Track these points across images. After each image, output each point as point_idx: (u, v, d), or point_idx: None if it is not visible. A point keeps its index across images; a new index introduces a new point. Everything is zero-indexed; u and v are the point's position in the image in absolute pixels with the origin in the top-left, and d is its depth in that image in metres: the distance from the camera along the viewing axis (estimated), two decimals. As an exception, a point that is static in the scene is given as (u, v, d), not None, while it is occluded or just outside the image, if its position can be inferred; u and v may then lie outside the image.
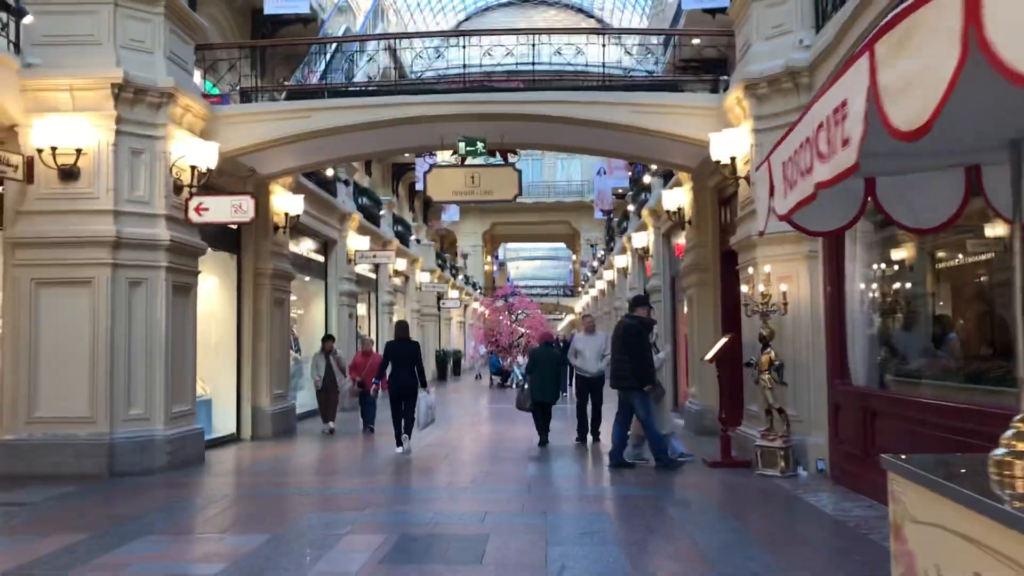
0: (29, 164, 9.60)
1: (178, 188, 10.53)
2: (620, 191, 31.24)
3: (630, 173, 29.86)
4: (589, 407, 12.81)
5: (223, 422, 13.61)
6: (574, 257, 61.09)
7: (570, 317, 59.79)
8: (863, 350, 8.73)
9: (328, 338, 15.06)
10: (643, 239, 20.06)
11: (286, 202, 14.32)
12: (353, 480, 9.87)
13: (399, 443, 11.71)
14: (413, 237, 29.64)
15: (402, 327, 12.52)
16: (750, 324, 10.39)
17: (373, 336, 24.23)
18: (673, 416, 13.09)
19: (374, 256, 20.19)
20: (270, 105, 11.79)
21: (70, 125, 9.65)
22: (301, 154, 13.01)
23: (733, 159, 10.40)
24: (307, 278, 18.43)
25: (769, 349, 9.52)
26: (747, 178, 10.33)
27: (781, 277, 9.67)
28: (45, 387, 9.71)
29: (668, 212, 14.54)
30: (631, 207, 23.68)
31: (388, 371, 11.86)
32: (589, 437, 12.77)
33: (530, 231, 59.13)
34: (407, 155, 28.43)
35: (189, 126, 10.82)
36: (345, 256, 19.49)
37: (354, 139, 12.59)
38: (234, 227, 13.68)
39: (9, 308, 9.80)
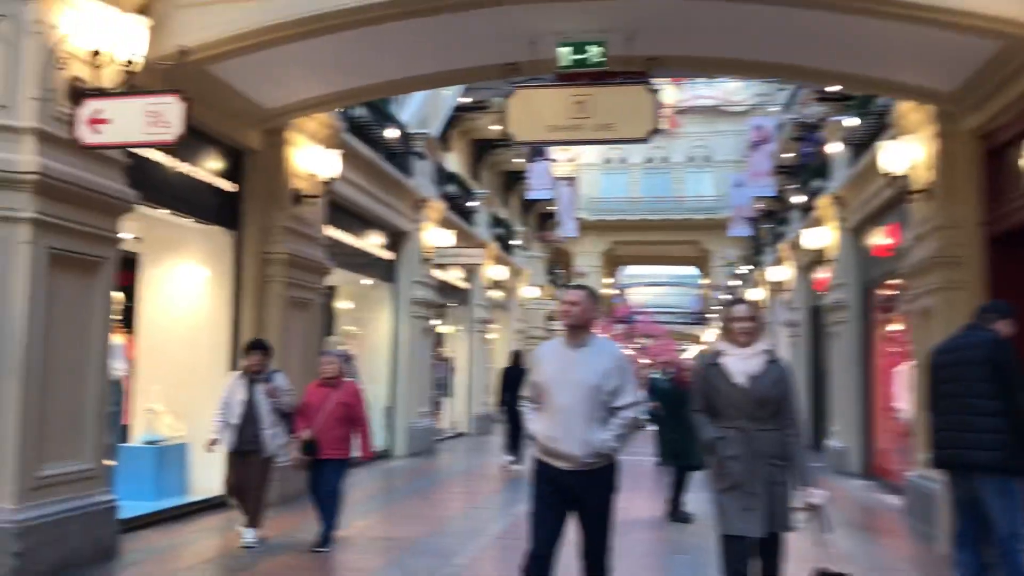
0: None
1: (75, 93, 6.14)
2: (763, 206, 25.97)
3: (774, 179, 24.59)
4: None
5: (207, 478, 9.15)
6: (705, 280, 55.21)
7: (697, 348, 53.91)
8: None
9: (256, 347, 7.46)
10: (819, 238, 14.76)
11: (314, 159, 9.88)
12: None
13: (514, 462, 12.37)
14: (519, 243, 25.00)
15: (518, 355, 13.95)
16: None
17: (464, 358, 19.63)
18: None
19: (458, 255, 15.60)
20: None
21: None
22: (318, 72, 8.46)
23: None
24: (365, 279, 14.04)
25: None
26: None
27: None
28: None
29: (890, 177, 9.27)
30: (796, 199, 18.33)
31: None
32: None
33: (655, 252, 53.68)
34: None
35: (107, -5, 6.44)
36: (420, 253, 14.95)
37: (393, 46, 8.00)
38: (232, 189, 9.33)
39: None
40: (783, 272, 18.99)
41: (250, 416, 7.15)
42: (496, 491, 10.98)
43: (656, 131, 7.57)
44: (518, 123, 7.73)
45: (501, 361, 22.26)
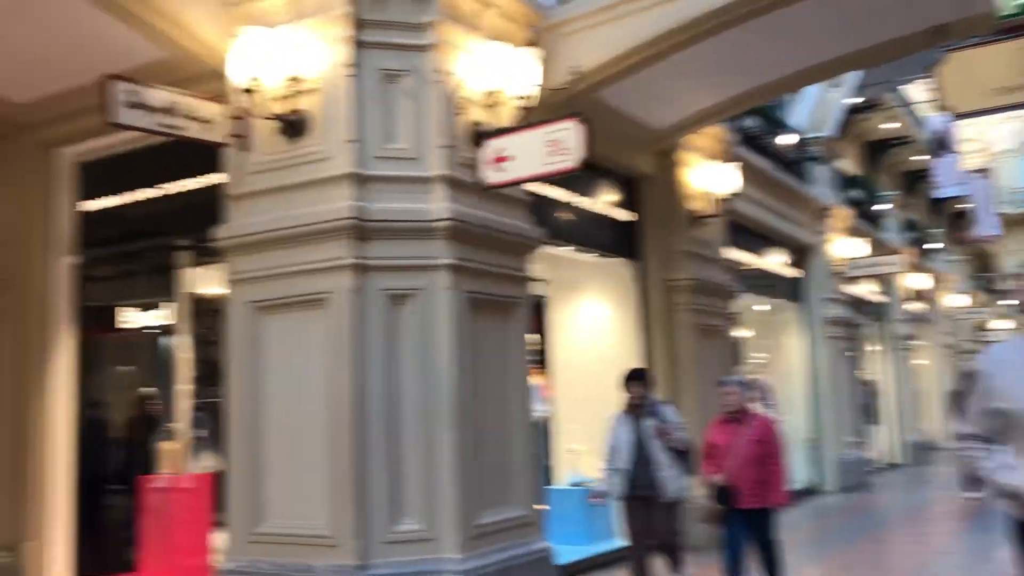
0: (238, 117, 5.97)
1: (476, 136, 6.13)
2: None
3: None
4: None
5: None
6: None
7: None
8: None
9: (634, 377, 6.41)
10: None
11: (708, 176, 9.27)
12: None
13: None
14: (938, 246, 22.27)
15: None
16: None
17: (887, 380, 17.62)
18: None
19: (873, 265, 14.00)
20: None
21: (286, 43, 5.83)
22: (705, 80, 7.82)
23: None
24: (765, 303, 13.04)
25: None
26: None
27: None
28: (273, 481, 5.85)
29: None
30: None
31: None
32: None
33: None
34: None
35: (495, 32, 6.42)
36: (828, 267, 13.64)
37: (787, 34, 7.13)
38: (630, 218, 9.02)
39: (235, 353, 6.18)
40: None
41: (642, 457, 6.13)
42: (960, 531, 9.34)
43: None
44: (955, 92, 6.46)
45: (929, 381, 19.85)
